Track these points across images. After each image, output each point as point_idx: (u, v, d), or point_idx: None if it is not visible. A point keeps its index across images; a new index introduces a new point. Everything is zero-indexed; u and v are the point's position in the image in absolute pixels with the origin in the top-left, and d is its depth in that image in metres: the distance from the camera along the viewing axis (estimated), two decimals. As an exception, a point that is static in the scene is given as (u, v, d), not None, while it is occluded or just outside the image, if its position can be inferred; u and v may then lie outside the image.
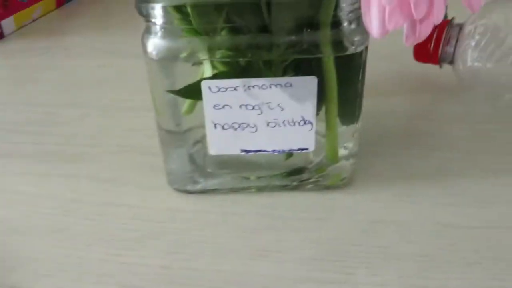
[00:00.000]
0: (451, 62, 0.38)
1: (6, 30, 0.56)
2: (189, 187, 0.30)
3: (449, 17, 0.37)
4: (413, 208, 0.28)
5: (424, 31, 0.18)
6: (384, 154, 0.33)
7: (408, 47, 0.39)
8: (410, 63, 0.40)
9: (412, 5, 0.17)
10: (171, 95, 0.27)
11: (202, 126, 0.29)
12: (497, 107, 0.37)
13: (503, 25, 0.35)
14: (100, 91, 0.44)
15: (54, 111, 0.41)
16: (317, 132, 0.27)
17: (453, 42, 0.37)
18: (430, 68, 0.40)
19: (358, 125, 0.29)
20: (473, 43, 0.36)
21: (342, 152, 0.29)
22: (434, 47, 0.38)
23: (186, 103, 0.28)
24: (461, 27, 0.37)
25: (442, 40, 0.37)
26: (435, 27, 0.38)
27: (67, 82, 0.46)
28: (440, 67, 0.39)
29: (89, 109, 0.41)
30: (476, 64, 0.35)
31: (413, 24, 0.18)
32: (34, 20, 0.60)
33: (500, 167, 0.31)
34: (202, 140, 0.31)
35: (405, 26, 0.18)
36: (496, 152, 0.32)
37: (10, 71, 0.49)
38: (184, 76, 0.27)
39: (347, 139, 0.29)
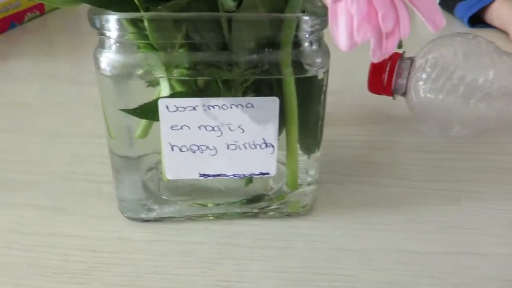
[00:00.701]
0: (404, 93, 0.39)
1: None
2: (143, 215, 0.28)
3: (400, 51, 0.38)
4: (375, 236, 0.28)
5: (390, 46, 0.18)
6: (344, 182, 0.32)
7: (360, 80, 0.40)
8: (364, 94, 0.40)
9: (380, 17, 0.17)
10: (125, 116, 0.25)
11: (156, 152, 0.27)
12: (449, 137, 0.38)
13: (452, 59, 0.36)
14: (44, 116, 0.41)
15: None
16: (277, 160, 0.27)
17: (405, 74, 0.38)
18: (383, 100, 0.40)
19: (319, 153, 0.28)
20: (424, 76, 0.37)
21: (302, 179, 0.29)
22: (387, 79, 0.39)
23: (140, 126, 0.27)
24: (412, 60, 0.38)
25: (395, 73, 0.38)
26: (388, 59, 0.39)
27: (8, 107, 0.43)
28: (394, 98, 0.40)
29: (33, 135, 0.38)
30: (428, 95, 0.36)
31: (380, 38, 0.18)
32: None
33: (458, 194, 0.31)
34: (156, 166, 0.29)
35: (372, 41, 0.18)
36: (453, 180, 0.33)
37: None
38: (140, 96, 0.25)
39: (308, 166, 0.28)
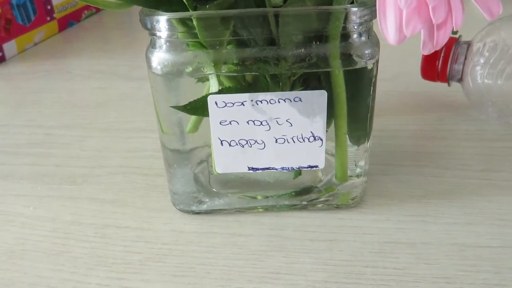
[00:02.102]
0: (460, 80, 0.37)
1: (8, 53, 0.56)
2: (194, 208, 0.29)
3: (455, 36, 0.37)
4: (427, 228, 0.27)
5: (442, 38, 0.17)
6: (395, 173, 0.32)
7: (414, 66, 0.39)
8: (418, 81, 0.39)
9: (430, 9, 0.16)
10: (176, 112, 0.26)
11: (207, 145, 0.28)
12: (509, 125, 0.36)
13: (512, 41, 0.34)
14: (101, 112, 0.43)
15: (55, 132, 0.40)
16: (326, 151, 0.26)
17: (461, 59, 0.36)
18: (438, 87, 0.39)
19: (368, 144, 0.28)
20: (482, 61, 0.35)
21: (352, 170, 0.28)
22: (442, 65, 0.37)
23: (191, 121, 0.27)
24: (469, 44, 0.36)
25: (450, 58, 0.37)
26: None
27: (68, 104, 0.45)
28: (449, 85, 0.38)
29: (90, 130, 0.40)
30: (486, 81, 0.35)
31: (431, 30, 0.17)
32: (36, 44, 0.60)
33: (516, 185, 0.30)
34: (207, 159, 0.30)
35: (422, 32, 0.17)
36: (511, 170, 0.31)
37: (11, 93, 0.49)
38: (190, 92, 0.26)
39: (358, 158, 0.28)
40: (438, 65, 0.37)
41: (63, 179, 0.33)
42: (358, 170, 0.28)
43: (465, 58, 0.36)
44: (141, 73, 0.50)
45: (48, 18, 0.61)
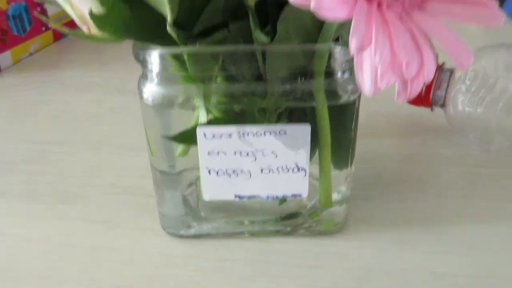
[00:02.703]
0: (442, 105, 0.38)
1: (3, 64, 0.57)
2: (183, 232, 0.30)
3: (440, 62, 0.38)
4: (407, 256, 0.28)
5: (415, 89, 0.18)
6: (376, 198, 0.33)
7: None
8: (401, 105, 0.40)
9: (404, 66, 0.17)
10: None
11: (196, 167, 0.29)
12: (489, 151, 0.37)
13: (493, 71, 0.35)
14: (94, 127, 0.44)
15: (48, 148, 0.40)
16: (310, 175, 0.27)
17: (444, 86, 0.38)
18: (421, 111, 0.40)
19: (351, 169, 0.29)
20: (463, 88, 0.36)
21: (335, 196, 0.29)
22: (425, 91, 0.38)
23: (180, 145, 0.28)
24: (452, 71, 0.38)
25: (434, 84, 0.38)
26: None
27: (62, 117, 0.46)
28: (432, 110, 0.39)
29: (83, 145, 0.41)
30: (467, 108, 0.36)
31: (404, 82, 0.18)
32: (31, 54, 0.61)
33: (495, 213, 0.31)
34: (196, 182, 0.31)
35: (396, 84, 0.18)
36: (491, 198, 0.33)
37: (6, 106, 0.49)
38: (179, 120, 0.27)
39: (340, 183, 0.29)
40: (422, 91, 0.38)
41: (55, 198, 0.34)
42: (341, 196, 0.30)
43: (448, 85, 0.37)
44: (134, 86, 0.50)
45: (43, 28, 0.62)
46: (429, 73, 0.18)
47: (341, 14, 0.17)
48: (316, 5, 0.16)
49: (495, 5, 0.19)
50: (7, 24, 0.56)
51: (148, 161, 0.29)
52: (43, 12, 0.61)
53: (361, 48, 0.17)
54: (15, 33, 0.58)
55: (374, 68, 0.17)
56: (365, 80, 0.18)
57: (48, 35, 0.63)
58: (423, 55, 0.18)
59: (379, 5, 0.18)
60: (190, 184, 0.31)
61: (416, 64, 0.18)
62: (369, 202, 0.32)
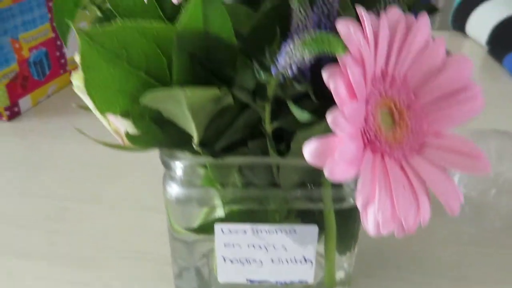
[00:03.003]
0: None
1: (23, 108, 0.60)
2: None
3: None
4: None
5: (412, 229, 0.21)
6: (377, 276, 0.36)
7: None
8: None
9: (402, 220, 0.20)
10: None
11: (208, 239, 0.32)
12: (483, 228, 0.40)
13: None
14: (112, 183, 0.46)
15: (68, 206, 0.43)
16: (316, 252, 0.30)
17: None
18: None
19: (354, 251, 0.32)
20: (456, 174, 0.39)
21: (339, 274, 0.32)
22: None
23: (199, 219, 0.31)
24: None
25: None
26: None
27: (80, 169, 0.48)
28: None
29: (102, 204, 0.43)
30: (463, 190, 0.39)
31: (402, 229, 0.21)
32: (49, 96, 0.64)
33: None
34: (208, 254, 0.33)
35: (395, 229, 0.21)
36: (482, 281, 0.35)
37: (26, 154, 0.52)
38: (200, 212, 0.30)
39: (344, 261, 0.32)
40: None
41: (74, 262, 0.37)
42: (344, 275, 0.32)
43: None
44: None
45: (61, 71, 0.65)
46: (424, 218, 0.21)
47: (351, 175, 0.19)
48: (329, 173, 0.19)
49: (485, 157, 0.22)
50: (29, 71, 0.59)
51: (164, 224, 0.31)
52: (62, 56, 0.64)
53: (366, 205, 0.19)
54: (36, 77, 0.60)
55: (377, 218, 0.20)
56: (370, 227, 0.20)
57: (66, 77, 0.66)
58: (419, 203, 0.21)
59: (382, 155, 0.21)
60: (203, 256, 0.34)
61: (413, 216, 0.20)
62: (369, 279, 0.35)
